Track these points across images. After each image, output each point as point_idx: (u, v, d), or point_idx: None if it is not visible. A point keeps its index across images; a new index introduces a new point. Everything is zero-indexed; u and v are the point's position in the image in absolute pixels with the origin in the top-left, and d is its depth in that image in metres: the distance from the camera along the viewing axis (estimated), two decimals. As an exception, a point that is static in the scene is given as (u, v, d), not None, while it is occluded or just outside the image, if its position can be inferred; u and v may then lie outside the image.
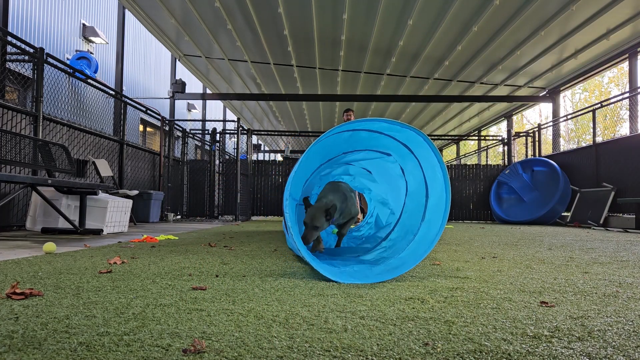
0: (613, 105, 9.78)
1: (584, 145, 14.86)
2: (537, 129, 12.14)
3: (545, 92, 11.94)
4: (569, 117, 11.31)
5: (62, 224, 5.01)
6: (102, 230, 4.98)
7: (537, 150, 11.95)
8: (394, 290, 1.83)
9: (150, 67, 14.47)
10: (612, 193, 8.16)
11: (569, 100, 30.13)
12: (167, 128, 10.79)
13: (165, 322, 1.28)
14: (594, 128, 9.19)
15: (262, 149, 25.51)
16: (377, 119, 2.31)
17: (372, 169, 3.59)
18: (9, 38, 5.69)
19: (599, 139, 9.12)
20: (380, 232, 3.63)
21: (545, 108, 32.78)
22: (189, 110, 17.81)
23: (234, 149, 11.69)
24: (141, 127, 13.85)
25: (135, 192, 7.15)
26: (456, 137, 15.99)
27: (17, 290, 1.61)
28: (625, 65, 9.55)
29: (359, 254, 2.96)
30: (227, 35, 9.07)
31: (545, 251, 3.54)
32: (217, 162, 12.09)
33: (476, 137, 16.07)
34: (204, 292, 1.73)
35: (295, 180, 2.57)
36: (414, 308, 1.50)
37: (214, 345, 1.08)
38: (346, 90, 12.41)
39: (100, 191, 5.45)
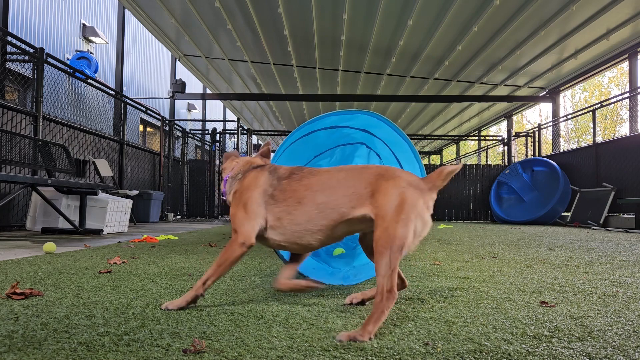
0: (613, 105, 9.79)
1: (584, 145, 14.86)
2: (537, 129, 12.14)
3: (545, 92, 11.94)
4: (569, 117, 11.31)
5: (62, 224, 5.01)
6: (102, 230, 4.98)
7: (537, 150, 11.95)
8: (394, 290, 1.83)
9: (150, 67, 14.47)
10: (612, 193, 8.16)
11: (569, 100, 30.15)
12: (167, 128, 10.79)
13: (165, 322, 1.28)
14: (594, 128, 9.19)
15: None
16: (327, 114, 2.24)
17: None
18: (9, 38, 5.69)
19: (599, 139, 9.12)
20: None
21: (545, 108, 32.80)
22: (189, 110, 17.82)
23: (234, 149, 11.69)
24: (141, 127, 13.85)
25: (135, 192, 7.15)
26: (456, 137, 16.00)
27: (17, 290, 1.61)
28: (625, 65, 9.54)
29: (359, 247, 2.95)
30: (227, 35, 9.06)
31: (545, 251, 3.54)
32: (217, 162, 12.10)
33: (476, 137, 16.07)
34: (204, 292, 1.73)
35: None
36: (414, 308, 1.50)
37: (214, 345, 1.08)
38: (346, 90, 12.40)
39: (100, 191, 5.45)
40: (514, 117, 15.42)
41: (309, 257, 2.40)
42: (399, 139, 2.31)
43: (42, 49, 5.77)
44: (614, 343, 1.14)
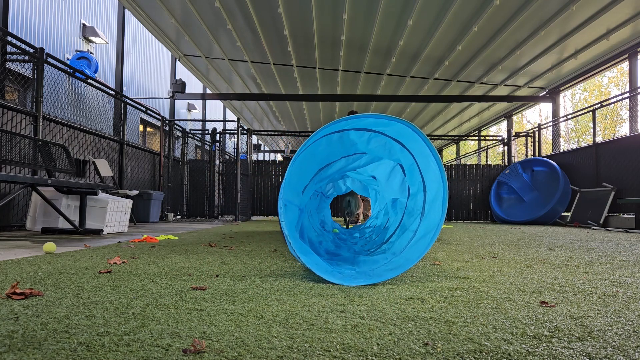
0: (613, 105, 9.79)
1: (584, 145, 14.86)
2: (537, 129, 12.14)
3: (545, 92, 11.94)
4: (569, 117, 11.31)
5: (62, 224, 5.01)
6: (102, 230, 4.98)
7: (537, 150, 11.94)
8: (394, 290, 1.83)
9: (150, 67, 14.47)
10: (612, 193, 8.16)
11: (569, 100, 30.15)
12: (167, 128, 10.79)
13: (165, 322, 1.28)
14: (594, 128, 9.19)
15: (262, 149, 25.51)
16: (363, 115, 2.25)
17: (376, 174, 3.57)
18: (9, 38, 5.69)
19: (599, 139, 9.12)
20: (382, 235, 3.63)
21: (545, 108, 32.81)
22: (189, 110, 17.82)
23: (234, 149, 11.69)
24: (141, 127, 13.85)
25: (135, 192, 7.15)
26: (456, 137, 15.99)
27: (17, 290, 1.61)
28: (625, 65, 9.54)
29: (361, 256, 2.95)
30: (227, 35, 9.07)
31: (545, 251, 3.54)
32: (217, 162, 12.10)
33: (476, 137, 16.07)
34: (204, 292, 1.73)
35: (291, 187, 2.50)
36: (414, 308, 1.50)
37: (214, 345, 1.08)
38: (346, 90, 12.41)
39: (100, 191, 5.45)
40: (514, 117, 15.42)
41: (315, 254, 2.40)
42: (429, 156, 2.30)
43: (42, 49, 5.77)
44: (614, 343, 1.14)
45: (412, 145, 2.41)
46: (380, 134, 2.54)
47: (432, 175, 2.32)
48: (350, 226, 7.27)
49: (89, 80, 7.40)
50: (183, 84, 11.46)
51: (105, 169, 7.25)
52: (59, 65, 6.35)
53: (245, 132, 11.34)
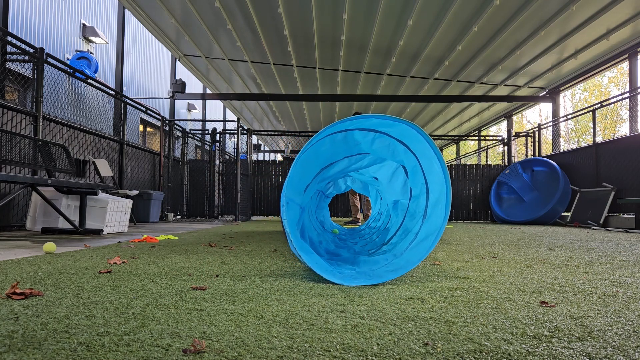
0: (613, 105, 9.78)
1: (584, 145, 14.86)
2: (537, 129, 12.14)
3: (545, 92, 11.94)
4: (569, 117, 11.30)
5: (62, 224, 5.01)
6: (102, 230, 4.98)
7: (537, 150, 11.95)
8: (394, 290, 1.83)
9: (150, 67, 14.47)
10: (612, 193, 8.16)
11: (569, 100, 30.16)
12: (167, 128, 10.79)
13: (165, 322, 1.28)
14: (594, 128, 9.19)
15: (262, 149, 25.51)
16: (368, 115, 2.25)
17: (379, 175, 3.57)
18: (9, 38, 5.69)
19: (599, 139, 9.12)
20: (382, 236, 3.63)
21: (545, 108, 32.83)
22: (189, 110, 17.82)
23: (234, 149, 11.69)
24: (141, 127, 13.85)
25: (135, 192, 7.15)
26: (456, 137, 15.99)
27: (17, 290, 1.61)
28: (625, 65, 9.54)
29: (361, 256, 2.95)
30: (227, 35, 9.07)
31: (545, 251, 3.54)
32: (217, 162, 12.10)
33: (476, 137, 16.06)
34: (204, 292, 1.73)
35: (293, 185, 2.50)
36: (414, 308, 1.50)
37: (214, 345, 1.08)
38: (346, 90, 12.41)
39: (100, 191, 5.45)
40: (514, 117, 15.42)
41: (315, 253, 2.40)
42: (432, 158, 2.30)
43: (42, 49, 5.76)
44: (614, 343, 1.14)
45: (416, 147, 2.40)
46: (385, 135, 2.53)
47: (435, 178, 2.31)
48: (349, 226, 7.30)
49: (89, 80, 7.40)
50: (183, 84, 11.46)
51: (105, 169, 7.25)
52: (59, 65, 6.35)
53: (245, 132, 11.34)
